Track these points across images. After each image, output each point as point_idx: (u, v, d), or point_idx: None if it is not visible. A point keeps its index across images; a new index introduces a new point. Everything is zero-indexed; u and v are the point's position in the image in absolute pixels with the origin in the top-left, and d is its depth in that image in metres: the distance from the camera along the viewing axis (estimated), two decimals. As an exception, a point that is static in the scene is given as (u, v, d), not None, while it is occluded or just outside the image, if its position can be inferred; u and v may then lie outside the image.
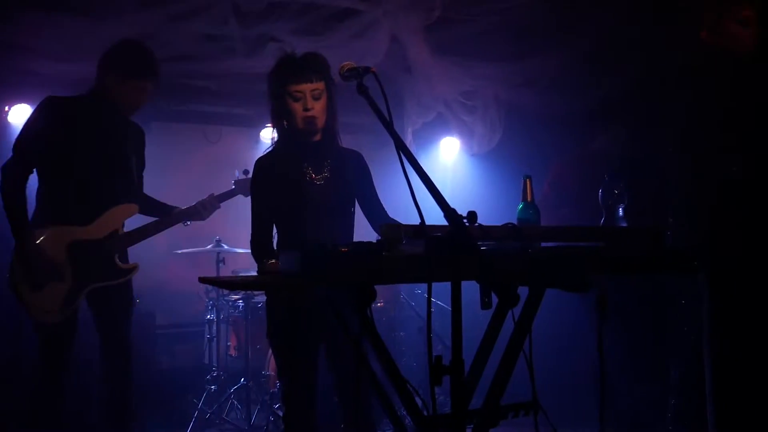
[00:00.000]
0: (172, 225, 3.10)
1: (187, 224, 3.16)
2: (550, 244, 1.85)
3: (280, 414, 3.44)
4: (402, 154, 1.63)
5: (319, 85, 2.36)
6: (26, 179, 2.77)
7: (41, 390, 2.78)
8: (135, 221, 3.02)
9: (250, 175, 3.33)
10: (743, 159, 2.17)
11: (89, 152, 2.81)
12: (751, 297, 2.12)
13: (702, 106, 2.32)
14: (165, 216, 3.08)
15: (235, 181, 3.34)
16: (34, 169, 2.81)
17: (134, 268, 2.95)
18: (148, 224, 3.03)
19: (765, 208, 2.13)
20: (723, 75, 2.29)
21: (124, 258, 2.96)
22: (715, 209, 2.18)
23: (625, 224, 2.11)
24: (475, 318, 1.86)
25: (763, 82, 2.19)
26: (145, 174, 3.16)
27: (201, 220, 3.15)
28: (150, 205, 3.10)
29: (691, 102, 2.35)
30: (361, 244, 1.52)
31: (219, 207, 3.18)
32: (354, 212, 2.51)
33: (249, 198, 2.51)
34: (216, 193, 3.20)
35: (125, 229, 2.94)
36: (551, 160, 4.10)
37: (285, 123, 2.41)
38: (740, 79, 2.25)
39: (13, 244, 2.73)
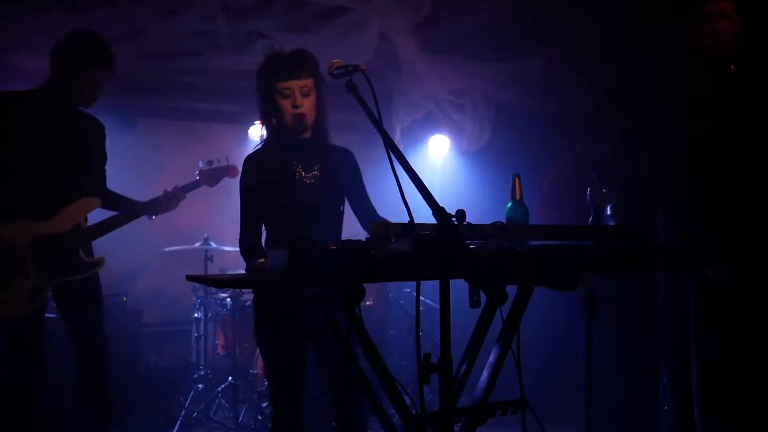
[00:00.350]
0: (137, 217, 3.05)
1: (153, 218, 3.12)
2: (538, 242, 1.86)
3: (268, 413, 3.44)
4: (391, 153, 1.62)
5: (308, 82, 2.35)
6: None
7: (13, 387, 2.75)
8: (98, 216, 2.99)
9: (214, 166, 3.38)
10: (725, 158, 2.18)
11: (46, 146, 2.78)
12: (736, 296, 2.14)
13: (684, 106, 2.33)
14: (128, 209, 3.03)
15: (199, 171, 3.34)
16: None
17: (100, 261, 2.91)
18: (111, 217, 2.99)
19: (749, 208, 2.15)
20: (707, 76, 2.31)
21: (89, 252, 2.92)
22: (700, 208, 2.20)
23: (612, 223, 2.12)
24: (464, 316, 1.87)
25: (747, 81, 2.21)
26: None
27: (166, 211, 3.11)
28: (113, 200, 3.04)
29: (674, 101, 2.37)
30: (350, 243, 1.52)
31: (184, 197, 3.16)
32: (343, 211, 2.50)
33: (238, 195, 2.49)
34: (180, 184, 3.18)
35: (88, 223, 2.91)
36: (541, 159, 4.12)
37: (274, 120, 2.40)
38: (723, 79, 2.27)
39: None
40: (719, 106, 2.23)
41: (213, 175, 3.37)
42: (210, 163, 3.40)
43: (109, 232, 2.97)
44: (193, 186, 3.25)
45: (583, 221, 2.22)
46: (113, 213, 3.03)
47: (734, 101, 2.23)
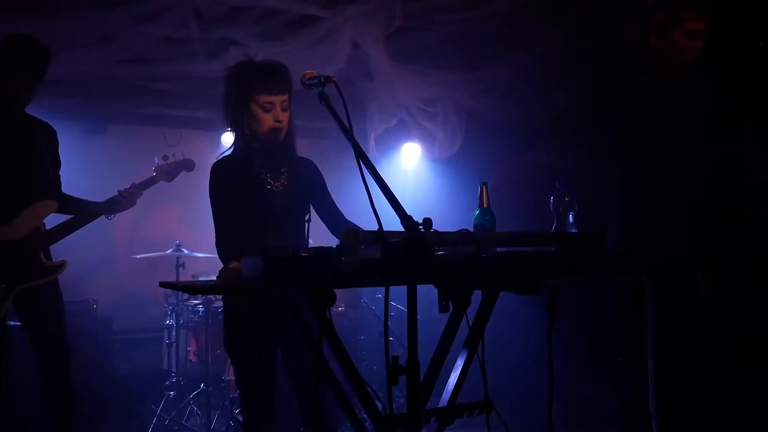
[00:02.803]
0: (95, 218, 3.04)
1: (111, 217, 3.10)
2: (504, 249, 1.92)
3: (240, 419, 3.44)
4: (361, 162, 1.68)
5: (286, 97, 2.41)
6: None
7: None
8: (56, 222, 2.97)
9: (170, 161, 3.36)
10: (686, 167, 2.26)
11: None
12: (694, 302, 2.22)
13: (644, 112, 2.41)
14: (86, 211, 3.01)
15: (155, 167, 3.32)
16: None
17: (62, 265, 2.89)
18: (70, 219, 2.98)
19: (708, 214, 2.24)
20: (666, 86, 2.38)
21: (49, 256, 2.90)
22: (659, 215, 2.28)
23: (575, 230, 2.20)
24: (434, 322, 1.92)
25: (698, 96, 2.28)
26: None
27: (124, 209, 3.10)
28: (69, 203, 3.01)
29: (636, 108, 2.44)
30: (322, 249, 1.57)
31: (141, 195, 3.14)
32: (310, 219, 2.55)
33: (209, 202, 2.50)
34: (137, 182, 3.17)
35: (47, 228, 2.89)
36: (509, 168, 4.21)
37: (247, 130, 2.42)
38: (680, 92, 2.34)
39: None
40: (683, 120, 2.29)
41: (169, 171, 3.34)
42: (165, 158, 3.36)
43: (68, 234, 2.95)
44: (150, 183, 3.23)
45: (547, 229, 2.29)
46: (70, 217, 3.00)
47: (698, 116, 2.29)
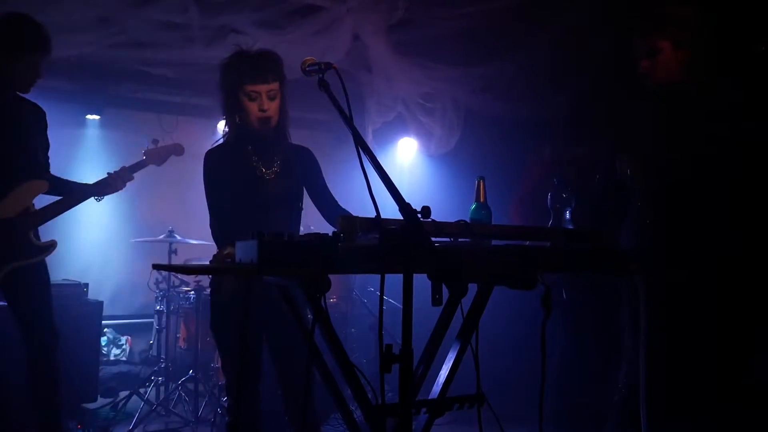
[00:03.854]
0: (85, 199, 3.01)
1: (99, 199, 3.07)
2: (500, 242, 1.92)
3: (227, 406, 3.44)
4: (360, 149, 1.67)
5: (275, 86, 2.40)
6: None
7: None
8: (43, 202, 2.94)
9: (160, 145, 3.33)
10: (680, 167, 2.27)
11: None
12: (686, 301, 2.23)
13: (644, 115, 2.41)
14: (75, 192, 2.99)
15: (145, 151, 3.31)
16: None
17: (52, 245, 2.87)
18: (59, 200, 2.95)
19: (701, 214, 2.25)
20: (665, 106, 2.38)
21: (38, 236, 2.88)
22: (655, 214, 2.29)
23: (571, 226, 2.20)
24: (428, 317, 1.91)
25: (710, 110, 2.27)
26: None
27: (114, 191, 3.07)
28: (58, 185, 2.99)
29: (637, 110, 2.45)
30: (317, 235, 1.56)
31: (132, 178, 3.12)
32: (302, 207, 2.55)
33: (203, 190, 2.50)
34: (127, 165, 3.14)
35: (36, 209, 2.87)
36: (506, 163, 4.20)
37: (237, 119, 2.43)
38: (682, 111, 2.33)
39: None
40: (679, 137, 2.28)
41: (160, 154, 3.32)
42: (155, 141, 3.35)
43: (58, 215, 2.94)
44: (140, 166, 3.20)
45: (544, 224, 2.30)
46: (59, 198, 2.98)
47: (695, 132, 2.28)
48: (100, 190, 3.04)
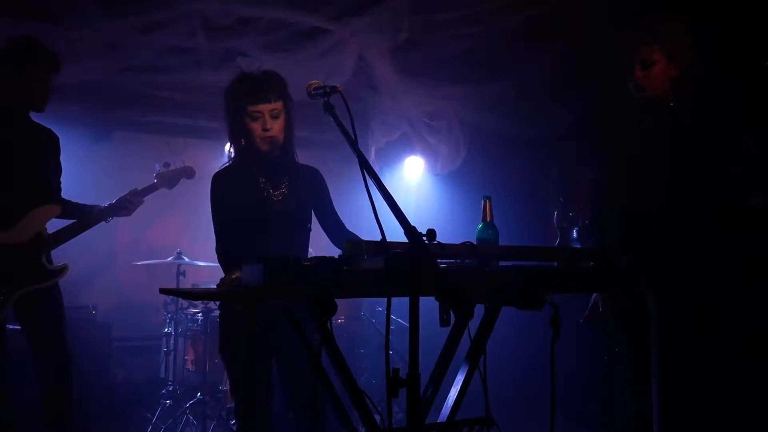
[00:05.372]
0: (97, 223, 3.03)
1: (109, 220, 3.08)
2: (508, 263, 1.91)
3: (236, 429, 3.41)
4: (365, 172, 1.67)
5: (278, 105, 2.39)
6: None
7: None
8: (56, 226, 2.97)
9: (171, 168, 3.35)
10: (684, 186, 2.26)
11: (2, 157, 2.76)
12: (697, 318, 2.21)
13: (643, 133, 2.41)
14: (87, 216, 3.00)
15: (156, 174, 3.32)
16: None
17: (64, 269, 2.89)
18: (72, 224, 2.98)
19: (708, 234, 2.23)
20: (653, 120, 2.38)
21: (50, 260, 2.90)
22: (663, 232, 2.27)
23: (578, 245, 2.19)
24: (436, 339, 1.90)
25: (694, 123, 2.27)
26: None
27: (125, 215, 3.09)
28: (71, 209, 3.01)
29: (637, 128, 2.45)
30: (323, 259, 1.56)
31: (143, 202, 3.13)
32: (310, 228, 2.54)
33: (209, 211, 2.50)
34: (138, 188, 3.16)
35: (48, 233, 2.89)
36: (512, 182, 4.20)
37: (243, 141, 2.43)
38: (668, 124, 2.33)
39: None
40: (666, 150, 2.28)
41: (171, 177, 3.34)
42: (167, 165, 3.36)
43: (70, 239, 2.96)
44: (151, 190, 3.22)
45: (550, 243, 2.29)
46: (71, 221, 3.00)
47: (680, 146, 2.28)
48: (110, 213, 3.05)
